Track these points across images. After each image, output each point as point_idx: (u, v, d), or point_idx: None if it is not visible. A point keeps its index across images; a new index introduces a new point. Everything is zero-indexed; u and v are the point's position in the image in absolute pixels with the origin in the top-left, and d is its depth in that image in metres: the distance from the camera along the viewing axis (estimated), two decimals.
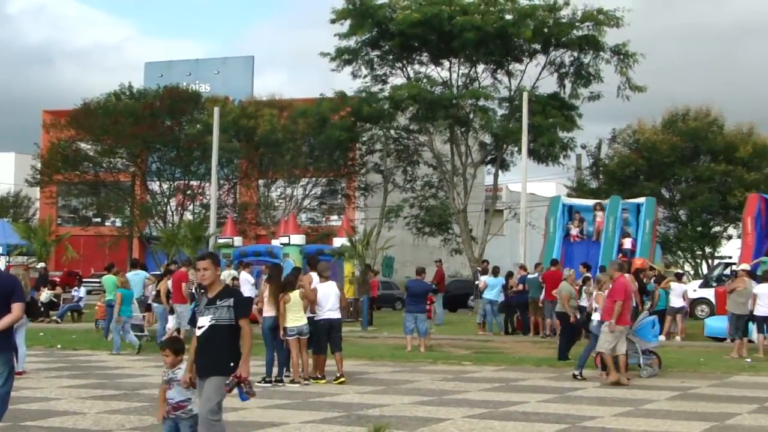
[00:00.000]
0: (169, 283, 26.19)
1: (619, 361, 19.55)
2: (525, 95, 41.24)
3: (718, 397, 17.83)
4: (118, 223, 60.72)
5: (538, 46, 46.12)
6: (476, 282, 35.60)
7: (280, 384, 19.11)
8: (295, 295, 19.22)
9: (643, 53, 45.59)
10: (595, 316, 20.24)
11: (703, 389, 19.06)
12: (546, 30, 44.86)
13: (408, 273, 39.63)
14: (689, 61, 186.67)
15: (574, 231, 36.12)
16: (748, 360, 23.88)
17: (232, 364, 10.10)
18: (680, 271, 37.68)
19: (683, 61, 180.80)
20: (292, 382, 19.17)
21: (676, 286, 29.51)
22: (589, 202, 39.14)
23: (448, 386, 19.35)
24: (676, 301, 29.33)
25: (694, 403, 17.09)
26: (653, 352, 21.47)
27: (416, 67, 48.84)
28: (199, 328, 10.31)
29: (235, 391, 10.13)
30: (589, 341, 20.92)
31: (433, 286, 35.25)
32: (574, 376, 20.26)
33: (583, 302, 24.42)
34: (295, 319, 19.12)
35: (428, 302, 28.87)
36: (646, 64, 56.93)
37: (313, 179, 56.01)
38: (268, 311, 19.47)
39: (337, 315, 19.83)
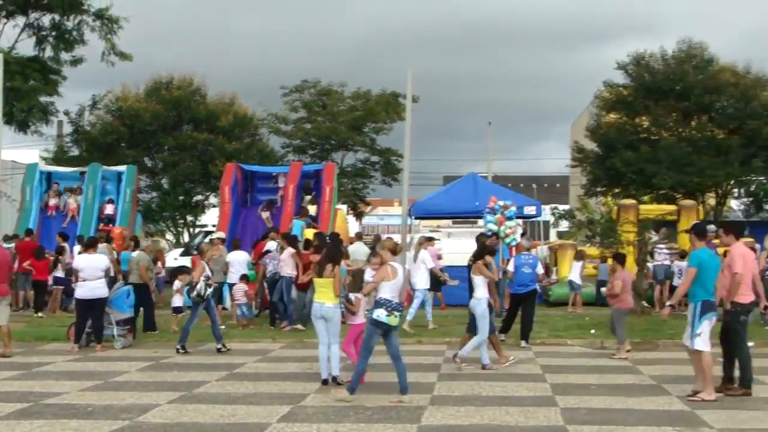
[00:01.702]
0: None
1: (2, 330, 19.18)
2: (0, 57, 39.05)
3: (191, 366, 17.86)
4: None
5: (13, 7, 43.70)
6: None
7: None
8: None
9: (126, 17, 44.65)
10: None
11: (176, 358, 19.03)
12: None
13: None
14: (183, 28, 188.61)
15: (52, 202, 34.97)
16: (223, 327, 24.11)
17: None
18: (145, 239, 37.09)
19: (177, 28, 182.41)
20: None
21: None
22: (70, 170, 38.19)
23: None
24: None
25: (165, 372, 17.03)
26: (130, 321, 21.23)
27: None
28: None
29: None
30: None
31: None
32: (177, 351, 19.72)
33: None
34: None
35: None
36: (136, 30, 55.89)
37: None
38: None
39: None
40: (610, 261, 30.64)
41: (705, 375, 14.20)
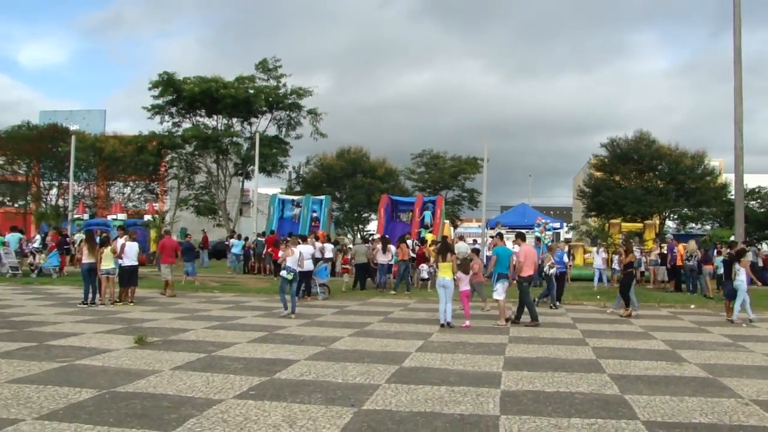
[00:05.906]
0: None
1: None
2: (257, 135, 38.87)
3: (361, 312, 16.56)
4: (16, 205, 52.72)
5: (266, 109, 43.46)
6: (226, 242, 33.10)
7: (93, 305, 16.29)
8: (107, 249, 16.79)
9: (326, 112, 43.79)
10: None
11: (353, 307, 17.77)
12: (270, 99, 42.48)
13: (196, 238, 35.42)
14: (359, 118, 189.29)
15: (297, 211, 34.24)
16: (393, 292, 21.43)
17: None
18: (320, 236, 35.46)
19: (357, 118, 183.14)
20: (102, 304, 16.42)
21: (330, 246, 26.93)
22: (292, 198, 37.49)
23: (201, 306, 17.05)
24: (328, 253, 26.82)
25: (347, 316, 15.73)
26: (326, 285, 20.11)
27: (197, 118, 44.70)
28: None
29: None
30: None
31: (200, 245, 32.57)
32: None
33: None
34: (107, 264, 16.69)
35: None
36: (335, 118, 56.27)
37: (137, 182, 51.03)
38: (86, 258, 16.70)
39: (134, 262, 17.32)
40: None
41: (501, 311, 14.52)
